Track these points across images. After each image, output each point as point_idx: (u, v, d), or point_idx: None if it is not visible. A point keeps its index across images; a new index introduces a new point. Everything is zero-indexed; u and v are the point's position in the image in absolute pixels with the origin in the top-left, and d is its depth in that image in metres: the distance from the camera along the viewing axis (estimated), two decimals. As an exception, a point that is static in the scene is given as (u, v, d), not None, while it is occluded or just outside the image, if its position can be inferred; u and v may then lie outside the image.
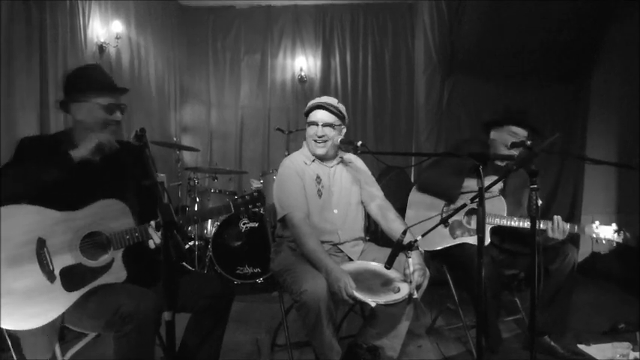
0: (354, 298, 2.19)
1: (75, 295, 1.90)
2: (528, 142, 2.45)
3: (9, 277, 1.82)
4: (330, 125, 2.61)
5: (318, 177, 2.67)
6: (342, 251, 2.65)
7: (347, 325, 3.17)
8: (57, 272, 1.89)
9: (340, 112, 2.64)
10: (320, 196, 2.64)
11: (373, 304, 2.18)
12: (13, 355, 2.00)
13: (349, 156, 2.83)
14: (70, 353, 2.11)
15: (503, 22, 5.21)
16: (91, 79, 2.15)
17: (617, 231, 2.72)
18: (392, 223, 2.67)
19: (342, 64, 6.56)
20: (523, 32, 5.19)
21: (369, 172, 2.88)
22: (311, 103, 2.69)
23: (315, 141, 2.63)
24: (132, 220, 2.03)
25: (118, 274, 1.99)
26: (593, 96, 5.78)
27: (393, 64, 6.48)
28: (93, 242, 1.97)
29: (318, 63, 6.59)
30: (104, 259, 1.97)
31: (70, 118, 2.19)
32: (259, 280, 4.41)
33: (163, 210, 1.52)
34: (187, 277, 2.24)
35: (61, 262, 1.91)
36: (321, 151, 2.64)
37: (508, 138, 3.05)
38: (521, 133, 3.02)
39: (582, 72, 5.70)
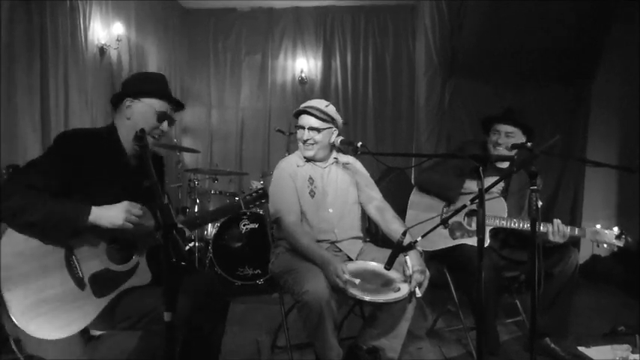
0: (347, 293, 2.21)
1: (104, 301, 1.91)
2: (529, 144, 2.44)
3: (40, 286, 1.81)
4: (316, 129, 2.64)
5: (310, 178, 2.71)
6: (340, 250, 2.66)
7: (347, 326, 3.17)
8: (86, 279, 1.89)
9: (327, 115, 2.66)
10: (313, 196, 2.68)
11: (355, 291, 2.20)
12: (20, 356, 2.00)
13: (347, 158, 2.87)
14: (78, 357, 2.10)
15: (503, 24, 5.21)
16: (155, 83, 2.16)
17: (619, 236, 2.70)
18: (391, 224, 2.69)
19: (343, 65, 6.57)
20: (523, 34, 5.19)
21: (368, 174, 2.91)
22: (300, 107, 2.73)
23: (303, 144, 2.68)
24: (153, 222, 2.03)
25: (143, 276, 2.01)
26: (594, 97, 5.78)
27: (394, 65, 6.49)
28: (119, 246, 1.98)
29: (319, 64, 6.60)
30: (130, 263, 1.99)
31: (110, 115, 2.18)
32: (260, 282, 4.41)
33: (163, 211, 1.52)
34: (184, 279, 2.24)
35: (89, 268, 1.91)
36: (309, 153, 2.69)
37: (493, 137, 3.08)
38: (504, 129, 3.02)
39: (583, 73, 5.70)
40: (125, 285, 1.96)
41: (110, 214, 1.85)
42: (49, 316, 1.81)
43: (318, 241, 2.61)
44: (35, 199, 1.80)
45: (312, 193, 2.68)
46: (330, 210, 2.70)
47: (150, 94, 2.11)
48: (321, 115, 2.64)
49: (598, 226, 2.76)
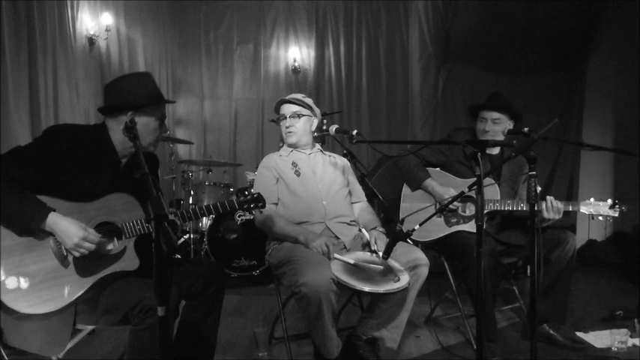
0: (347, 284, 2.19)
1: (89, 281, 1.90)
2: (525, 129, 2.41)
3: (23, 261, 1.82)
4: (297, 115, 2.78)
5: (293, 163, 2.80)
6: (337, 237, 2.64)
7: (345, 316, 3.15)
8: (70, 258, 1.89)
9: (306, 103, 2.80)
10: (298, 175, 2.76)
11: (355, 282, 2.19)
12: (3, 353, 1.97)
13: (338, 158, 2.96)
14: (63, 351, 2.07)
15: (498, 11, 5.18)
16: (151, 89, 2.14)
17: (613, 205, 2.71)
18: (364, 218, 2.81)
19: (336, 53, 6.50)
20: (518, 21, 5.16)
21: (355, 178, 3.02)
22: (276, 102, 2.88)
23: (286, 133, 2.81)
24: (142, 213, 2.04)
25: (130, 261, 2.00)
26: (589, 81, 5.76)
27: (388, 53, 6.43)
28: (105, 231, 1.97)
29: (312, 53, 6.53)
30: (116, 247, 1.98)
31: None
32: (256, 273, 4.39)
33: (154, 202, 1.49)
34: (176, 267, 2.22)
35: None
36: (292, 139, 2.80)
37: (480, 125, 3.06)
38: (490, 116, 3.00)
39: (577, 58, 5.68)
40: (111, 268, 1.95)
41: (63, 236, 1.83)
42: (29, 290, 1.81)
43: (309, 223, 2.64)
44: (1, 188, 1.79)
45: (297, 173, 2.76)
46: (319, 185, 2.75)
47: (151, 105, 2.11)
48: (300, 103, 2.80)
49: (592, 199, 2.76)
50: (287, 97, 2.82)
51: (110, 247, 1.97)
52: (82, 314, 1.96)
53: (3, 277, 1.78)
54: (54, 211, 1.84)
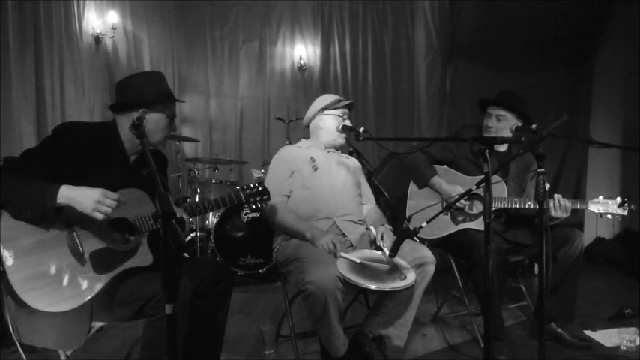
0: (353, 282, 2.19)
1: (105, 278, 1.92)
2: (533, 126, 2.40)
3: (41, 260, 1.84)
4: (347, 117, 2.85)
5: (312, 158, 2.77)
6: (344, 235, 2.64)
7: (351, 314, 3.14)
8: (87, 255, 1.91)
9: None
10: (315, 170, 2.74)
11: (361, 280, 2.18)
12: (21, 351, 1.98)
13: (350, 159, 2.96)
14: (80, 344, 2.08)
15: (504, 8, 5.15)
16: (162, 88, 2.17)
17: (622, 204, 2.68)
18: (371, 217, 2.81)
19: (342, 51, 6.49)
20: (525, 18, 5.13)
21: (365, 179, 3.03)
22: (334, 98, 2.83)
23: (340, 131, 2.79)
24: (153, 208, 2.05)
25: (144, 257, 2.01)
26: (596, 78, 5.72)
27: (393, 50, 6.40)
28: (119, 227, 1.99)
29: (318, 51, 6.52)
30: (130, 243, 2.00)
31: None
32: (262, 271, 4.39)
33: (161, 200, 1.49)
34: (185, 264, 2.23)
35: (89, 246, 1.93)
36: (343, 140, 2.82)
37: (484, 120, 3.04)
38: (495, 112, 2.98)
39: (585, 56, 5.64)
40: (126, 264, 1.97)
41: (81, 200, 1.83)
42: (48, 288, 1.82)
43: (316, 218, 2.64)
44: (10, 179, 1.81)
45: (314, 168, 2.74)
46: (333, 183, 2.75)
47: (162, 102, 2.14)
48: None
49: (600, 197, 2.73)
50: (350, 102, 2.84)
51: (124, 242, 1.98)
52: (97, 308, 1.97)
53: (23, 276, 1.79)
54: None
